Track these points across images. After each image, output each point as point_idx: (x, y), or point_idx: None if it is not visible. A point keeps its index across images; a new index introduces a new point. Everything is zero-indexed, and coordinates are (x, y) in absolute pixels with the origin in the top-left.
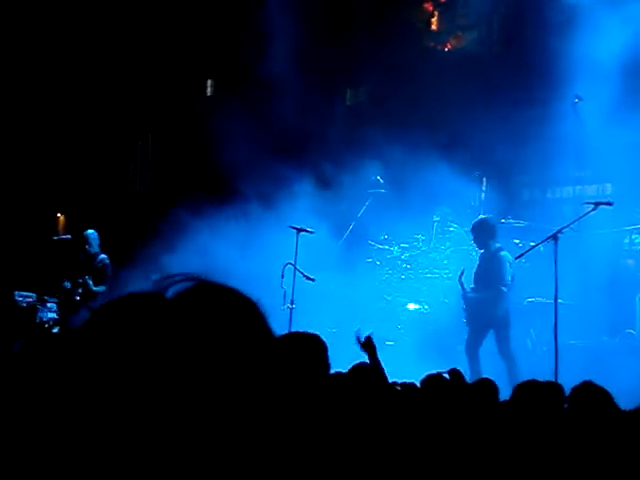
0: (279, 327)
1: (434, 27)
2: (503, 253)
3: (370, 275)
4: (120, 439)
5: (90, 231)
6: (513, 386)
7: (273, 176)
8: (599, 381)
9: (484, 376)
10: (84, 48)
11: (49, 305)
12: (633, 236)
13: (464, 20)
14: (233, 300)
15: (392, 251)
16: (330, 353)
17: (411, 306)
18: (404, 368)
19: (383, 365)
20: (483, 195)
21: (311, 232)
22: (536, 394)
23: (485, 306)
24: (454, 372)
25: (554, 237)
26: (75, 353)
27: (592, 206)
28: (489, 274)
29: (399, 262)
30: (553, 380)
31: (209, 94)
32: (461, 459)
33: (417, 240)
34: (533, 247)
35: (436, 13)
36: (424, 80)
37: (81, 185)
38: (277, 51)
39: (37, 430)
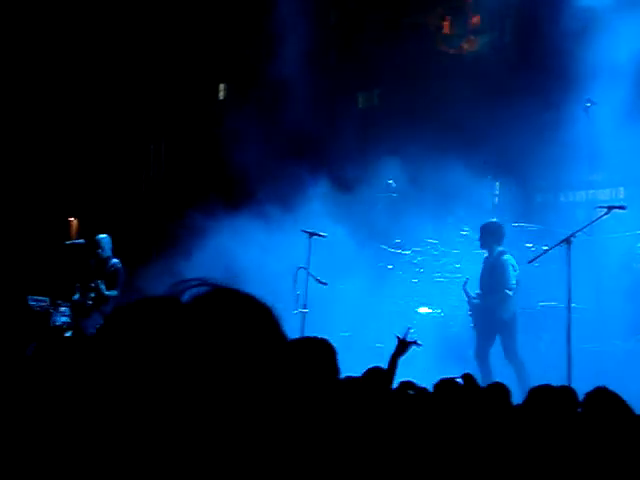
0: (291, 331)
1: (447, 31)
2: (506, 257)
3: (382, 279)
4: (134, 441)
5: (102, 235)
6: (522, 391)
7: (286, 180)
8: (612, 386)
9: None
10: (98, 53)
11: (62, 309)
12: None
13: (476, 24)
14: (248, 305)
15: (405, 255)
16: (343, 357)
17: (423, 310)
18: (416, 372)
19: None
20: (496, 199)
21: (323, 236)
22: (549, 398)
23: (491, 311)
24: (467, 377)
25: (567, 241)
26: (91, 357)
27: (605, 210)
28: (493, 279)
29: (411, 266)
30: (566, 384)
31: (221, 98)
32: (474, 464)
33: (430, 244)
34: (546, 251)
35: (448, 17)
36: (437, 84)
37: (94, 189)
38: (289, 55)
39: (52, 431)
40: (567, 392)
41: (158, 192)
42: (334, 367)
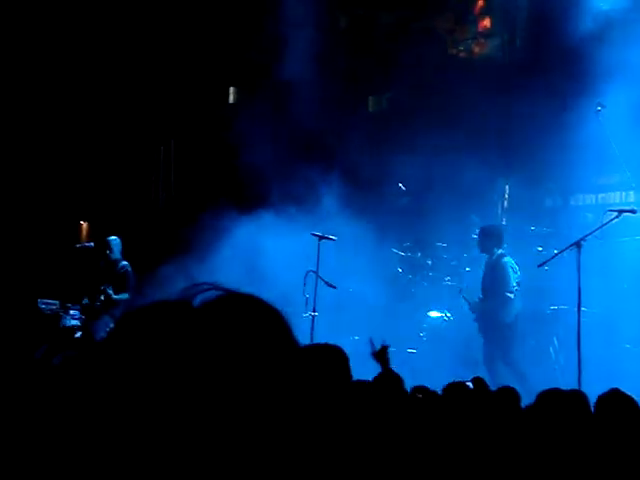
0: (301, 335)
1: (457, 34)
2: (505, 259)
3: (392, 282)
4: (145, 446)
5: (112, 237)
6: (523, 392)
7: (295, 183)
8: (623, 389)
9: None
10: (109, 57)
11: (72, 312)
12: None
13: (487, 27)
14: (259, 310)
15: (415, 258)
16: (352, 361)
17: (433, 314)
18: (426, 376)
19: (402, 373)
20: (506, 202)
21: (333, 239)
22: (559, 402)
23: (494, 314)
24: (477, 380)
25: (577, 244)
26: (101, 362)
27: (615, 213)
28: (494, 282)
29: (422, 269)
30: (577, 388)
31: (232, 101)
32: (483, 468)
33: (440, 247)
34: (556, 254)
35: (459, 20)
36: (446, 87)
37: (104, 192)
38: (299, 58)
39: (60, 434)
40: (577, 396)
41: (168, 195)
42: (347, 374)
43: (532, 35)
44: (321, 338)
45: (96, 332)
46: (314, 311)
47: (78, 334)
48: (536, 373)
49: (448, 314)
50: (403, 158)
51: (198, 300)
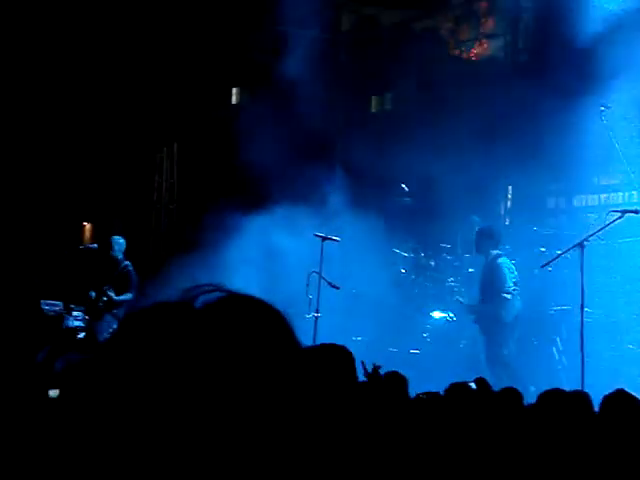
0: (304, 336)
1: (459, 35)
2: (500, 260)
3: (395, 283)
4: (146, 448)
5: (117, 237)
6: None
7: (298, 184)
8: (626, 390)
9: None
10: (112, 58)
11: (75, 313)
12: None
13: (489, 28)
14: (260, 311)
15: (418, 259)
16: (356, 361)
17: (436, 314)
18: (429, 376)
19: (405, 374)
20: (509, 203)
21: (336, 240)
22: (561, 403)
23: (492, 315)
24: (480, 381)
25: (580, 245)
26: (103, 364)
27: (619, 214)
28: (491, 283)
29: (425, 269)
30: (580, 389)
31: (234, 102)
32: (486, 468)
33: (443, 248)
34: (559, 255)
35: (461, 21)
36: (449, 88)
37: (107, 194)
38: (302, 59)
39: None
40: (581, 397)
41: (171, 196)
42: (352, 374)
43: (534, 36)
44: (324, 339)
45: (99, 333)
46: (317, 312)
47: (81, 335)
48: (539, 374)
49: (451, 315)
50: (406, 158)
51: (200, 301)
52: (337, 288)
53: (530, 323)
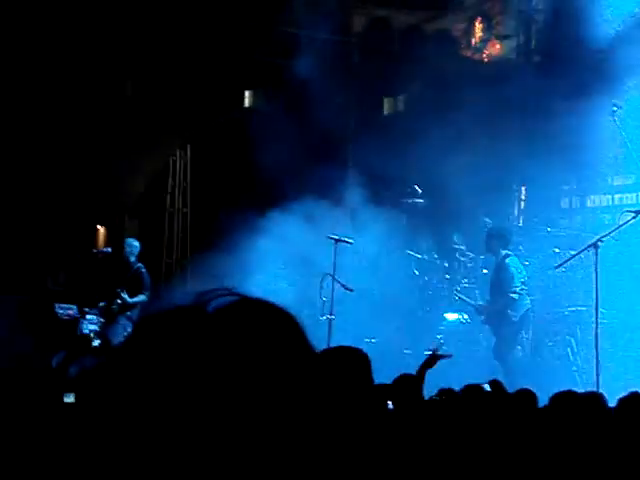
0: (318, 338)
1: (472, 36)
2: (508, 260)
3: (409, 285)
4: (163, 452)
5: (132, 240)
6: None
7: (311, 186)
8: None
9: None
10: (126, 59)
11: (89, 317)
12: None
13: (502, 29)
14: (272, 315)
15: (431, 260)
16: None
17: (450, 316)
18: (443, 378)
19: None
20: (523, 204)
21: (350, 242)
22: (575, 404)
23: (501, 315)
24: (494, 383)
25: (594, 245)
26: (117, 369)
27: (632, 214)
28: (499, 283)
29: (438, 271)
30: (595, 390)
31: (247, 105)
32: (501, 470)
33: (456, 249)
34: (573, 256)
35: (474, 22)
36: (462, 89)
37: (121, 197)
38: (314, 61)
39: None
40: (595, 398)
41: (184, 199)
42: (368, 376)
43: (547, 37)
44: (338, 341)
45: (114, 336)
46: (331, 314)
47: (96, 341)
48: (553, 374)
49: (465, 316)
50: (418, 160)
51: (212, 305)
52: (351, 290)
53: (544, 324)
